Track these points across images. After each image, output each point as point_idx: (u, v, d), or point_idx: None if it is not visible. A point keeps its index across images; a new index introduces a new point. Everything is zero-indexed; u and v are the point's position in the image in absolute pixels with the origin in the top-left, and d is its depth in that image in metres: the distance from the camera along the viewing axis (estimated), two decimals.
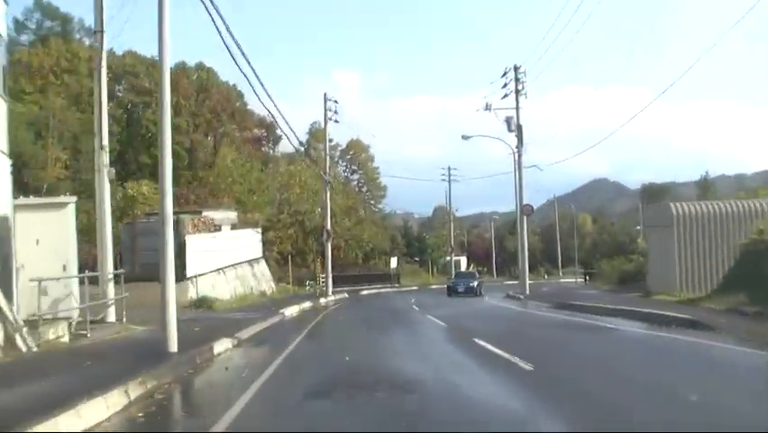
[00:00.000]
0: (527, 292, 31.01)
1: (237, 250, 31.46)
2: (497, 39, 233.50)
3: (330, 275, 37.18)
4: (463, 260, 70.23)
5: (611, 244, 77.32)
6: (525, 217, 32.57)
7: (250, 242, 35.12)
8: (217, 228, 30.04)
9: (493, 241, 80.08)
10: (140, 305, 15.47)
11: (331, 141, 48.61)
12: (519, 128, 32.29)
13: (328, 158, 40.54)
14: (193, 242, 25.06)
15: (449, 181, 61.47)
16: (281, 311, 20.98)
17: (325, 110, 37.60)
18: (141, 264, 23.79)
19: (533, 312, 21.02)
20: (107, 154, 14.53)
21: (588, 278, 49.69)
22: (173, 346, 9.90)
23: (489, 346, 10.51)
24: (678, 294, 20.37)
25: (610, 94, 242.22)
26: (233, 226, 33.94)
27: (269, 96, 32.17)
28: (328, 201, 37.58)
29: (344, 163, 73.35)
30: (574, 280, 61.51)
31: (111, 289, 14.54)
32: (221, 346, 11.60)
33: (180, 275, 23.86)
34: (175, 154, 50.16)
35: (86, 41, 50.70)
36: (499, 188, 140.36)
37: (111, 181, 14.83)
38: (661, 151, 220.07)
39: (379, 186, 74.18)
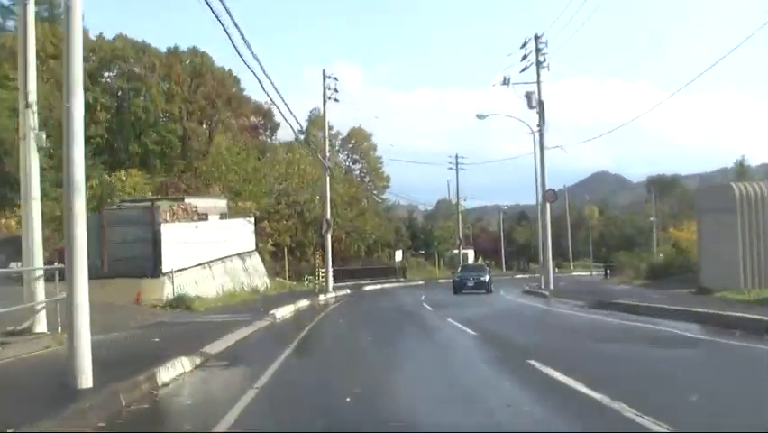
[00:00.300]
0: (551, 287, 27.60)
1: (226, 241, 28.12)
2: (497, 36, 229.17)
3: (330, 269, 33.81)
4: (471, 253, 67.63)
5: (619, 237, 74.72)
6: (548, 205, 29.07)
7: (241, 232, 31.76)
8: (202, 217, 26.65)
9: (502, 232, 76.85)
10: (107, 307, 13.20)
11: (331, 128, 45.34)
12: (541, 104, 28.74)
13: (327, 142, 37.16)
14: (170, 232, 21.72)
15: (456, 170, 58.50)
16: (272, 312, 17.92)
17: (324, 88, 34.19)
18: (111, 259, 20.64)
19: (574, 314, 17.48)
20: (35, 114, 11.18)
21: (608, 271, 46.28)
22: (85, 380, 6.54)
23: (560, 376, 7.00)
24: (746, 292, 16.91)
25: (612, 87, 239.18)
26: (223, 216, 30.56)
27: (267, 76, 28.47)
28: (328, 189, 34.22)
29: (345, 152, 69.93)
30: (589, 273, 58.34)
31: (40, 289, 11.14)
32: (172, 371, 8.27)
33: (154, 270, 20.76)
34: (167, 143, 47.71)
35: None
36: (502, 182, 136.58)
37: (40, 149, 11.47)
38: (662, 144, 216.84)
39: (382, 176, 70.80)
